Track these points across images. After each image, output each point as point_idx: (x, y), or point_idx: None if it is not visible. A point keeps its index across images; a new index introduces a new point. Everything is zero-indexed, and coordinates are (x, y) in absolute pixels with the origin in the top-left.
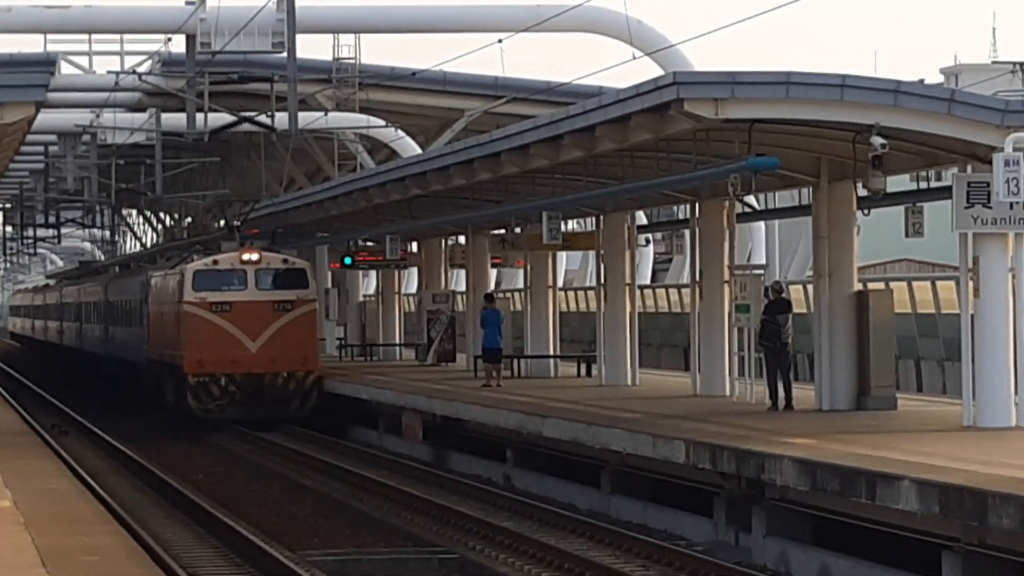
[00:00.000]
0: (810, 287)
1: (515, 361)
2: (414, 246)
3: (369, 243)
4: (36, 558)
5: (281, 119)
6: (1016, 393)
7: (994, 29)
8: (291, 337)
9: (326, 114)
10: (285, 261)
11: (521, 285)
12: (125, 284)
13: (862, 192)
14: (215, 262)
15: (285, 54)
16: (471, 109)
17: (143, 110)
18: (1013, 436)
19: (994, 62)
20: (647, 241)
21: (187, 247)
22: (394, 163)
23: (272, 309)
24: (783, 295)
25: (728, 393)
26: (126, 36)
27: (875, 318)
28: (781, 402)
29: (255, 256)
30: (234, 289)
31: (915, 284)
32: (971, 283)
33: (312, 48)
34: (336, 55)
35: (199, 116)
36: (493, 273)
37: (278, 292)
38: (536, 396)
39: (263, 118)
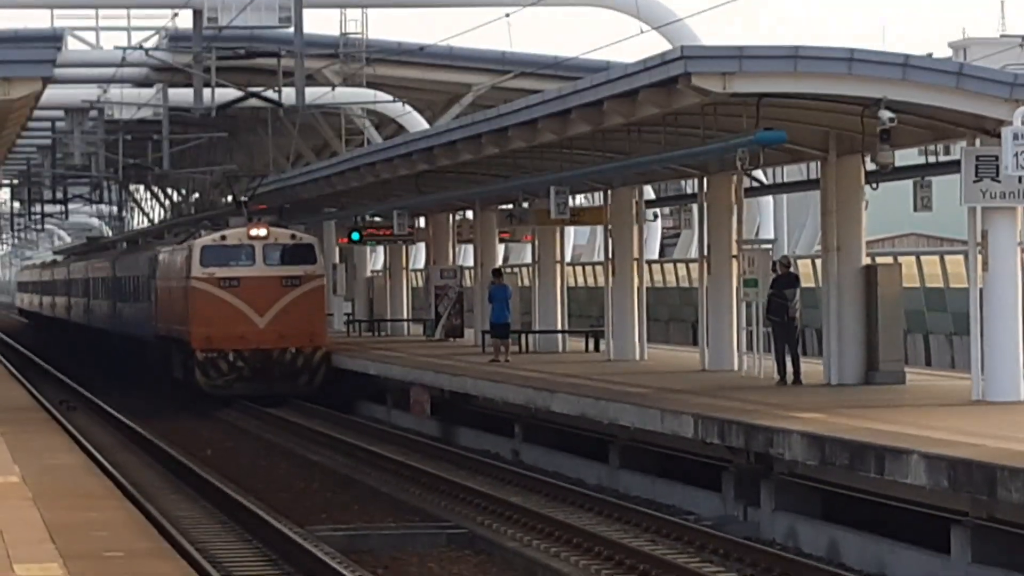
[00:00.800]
0: (818, 262)
1: (523, 336)
2: (422, 221)
3: (376, 218)
4: (45, 533)
5: (288, 94)
6: None
7: (1002, 3)
8: (299, 312)
9: (333, 89)
10: (293, 236)
11: (529, 260)
12: (133, 260)
13: (870, 166)
14: (223, 237)
15: (292, 29)
16: (478, 84)
17: (150, 85)
18: (1022, 410)
19: (1002, 36)
20: (655, 216)
21: (195, 223)
22: (401, 138)
23: (280, 284)
24: (790, 269)
25: (736, 368)
26: (133, 11)
27: (884, 292)
28: (789, 377)
29: (263, 231)
30: (242, 264)
31: (924, 258)
32: (980, 257)
33: (319, 23)
34: (343, 30)
35: (206, 91)
36: (501, 248)
37: (286, 267)
38: (544, 371)
39: (270, 93)
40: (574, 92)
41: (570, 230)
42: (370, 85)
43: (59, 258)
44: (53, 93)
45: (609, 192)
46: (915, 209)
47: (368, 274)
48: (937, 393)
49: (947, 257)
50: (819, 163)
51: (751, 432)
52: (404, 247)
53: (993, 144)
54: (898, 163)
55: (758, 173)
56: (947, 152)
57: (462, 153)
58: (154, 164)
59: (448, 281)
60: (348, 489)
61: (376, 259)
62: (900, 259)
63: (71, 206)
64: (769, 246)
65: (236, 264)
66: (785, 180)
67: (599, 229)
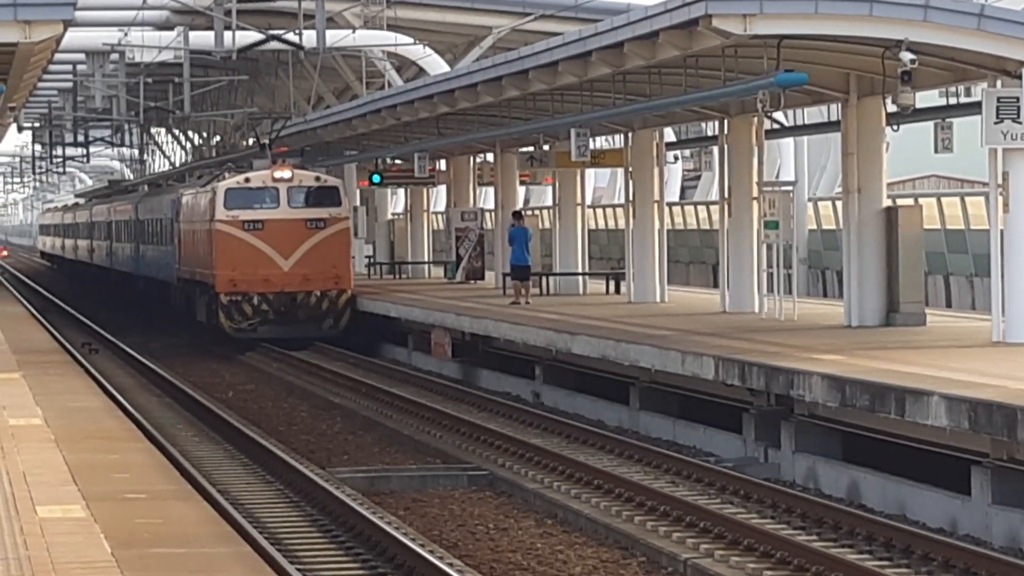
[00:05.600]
0: (839, 203)
1: (544, 278)
2: (442, 164)
3: (397, 161)
4: (67, 474)
5: (309, 37)
6: None
7: None
8: (324, 255)
9: (354, 32)
10: (317, 179)
11: (550, 202)
12: (156, 202)
13: (891, 108)
14: (247, 180)
15: None
16: (499, 26)
17: (171, 28)
18: None
19: None
20: (675, 158)
21: (218, 165)
22: (422, 81)
23: (305, 227)
24: None
25: (757, 310)
26: None
27: (904, 234)
28: None
29: (287, 174)
30: (266, 207)
31: (944, 200)
32: (1000, 198)
33: None
34: None
35: (227, 34)
36: (521, 190)
37: (311, 210)
38: (565, 313)
39: (291, 36)
40: (595, 34)
41: (591, 172)
42: (391, 28)
43: (81, 201)
44: (74, 36)
45: (630, 134)
46: (936, 150)
47: (389, 217)
48: (957, 334)
49: (968, 198)
50: (840, 105)
51: (772, 374)
52: (425, 190)
53: (1014, 85)
54: (919, 104)
55: (778, 115)
56: (968, 93)
57: (483, 95)
58: (175, 107)
59: (469, 223)
60: (369, 431)
61: (397, 202)
62: (921, 200)
63: (92, 149)
64: (789, 188)
65: (260, 207)
66: (806, 122)
67: (620, 171)
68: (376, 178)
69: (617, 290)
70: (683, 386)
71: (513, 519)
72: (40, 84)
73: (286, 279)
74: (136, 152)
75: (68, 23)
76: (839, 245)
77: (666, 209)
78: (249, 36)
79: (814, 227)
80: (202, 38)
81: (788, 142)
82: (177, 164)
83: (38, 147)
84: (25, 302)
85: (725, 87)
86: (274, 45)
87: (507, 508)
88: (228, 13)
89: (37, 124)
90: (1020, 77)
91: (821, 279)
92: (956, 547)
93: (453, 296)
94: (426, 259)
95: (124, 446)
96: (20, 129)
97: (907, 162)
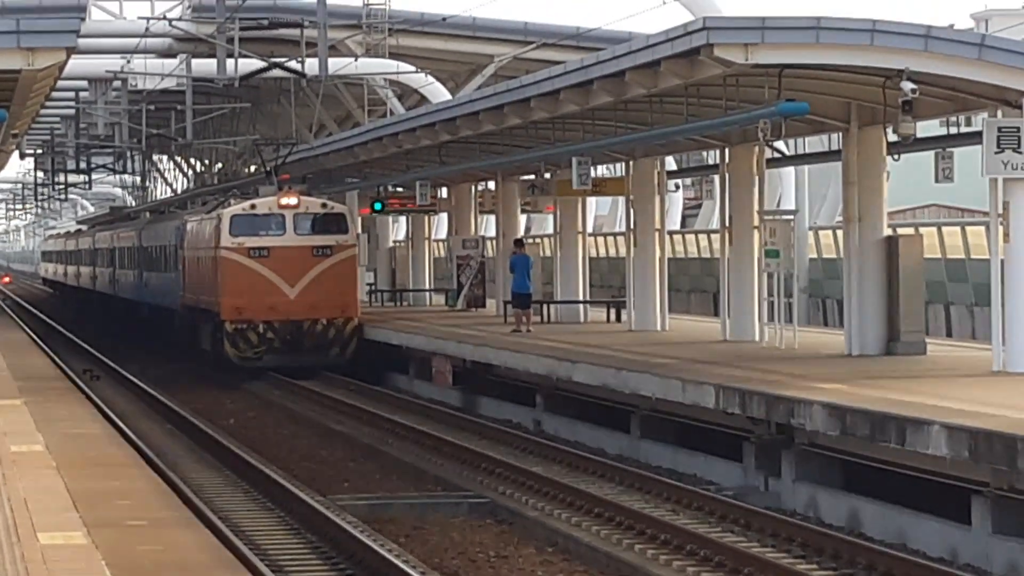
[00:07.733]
0: (839, 233)
1: (545, 306)
2: (444, 192)
3: (399, 189)
4: (68, 501)
5: (311, 65)
6: None
7: None
8: (330, 283)
9: (356, 60)
10: (324, 206)
11: (551, 231)
12: (160, 229)
13: (892, 137)
14: (253, 207)
15: None
16: (501, 55)
17: (174, 56)
18: None
19: None
20: (677, 186)
21: (223, 192)
22: (424, 109)
23: (311, 254)
24: None
25: (757, 338)
26: None
27: (905, 263)
28: None
29: (294, 200)
30: (272, 234)
31: (945, 229)
32: (1001, 228)
33: None
34: (366, 0)
35: (229, 62)
36: (523, 219)
37: (317, 237)
38: (566, 341)
39: (293, 64)
40: (596, 63)
41: (592, 201)
42: (393, 56)
43: (83, 228)
44: (77, 63)
45: (631, 163)
46: (936, 180)
47: (390, 244)
48: (958, 364)
49: (968, 228)
50: (841, 134)
51: (772, 402)
52: (426, 217)
53: (1015, 115)
54: (919, 134)
55: (779, 144)
56: (968, 123)
57: (484, 124)
58: (177, 134)
59: (470, 251)
60: (370, 458)
61: (398, 229)
62: (921, 230)
63: (94, 176)
64: (790, 217)
65: (266, 233)
66: (807, 151)
67: (621, 200)
68: (377, 205)
69: (618, 318)
70: (684, 414)
71: (514, 547)
72: (43, 111)
73: (292, 307)
74: (138, 179)
75: (71, 51)
76: (840, 274)
77: (667, 237)
78: (251, 64)
79: (815, 256)
80: (204, 66)
81: (789, 171)
82: (179, 191)
83: (40, 174)
84: (27, 328)
85: (726, 116)
86: (276, 73)
87: (508, 536)
88: (230, 41)
89: (39, 151)
90: (1020, 107)
91: (822, 308)
92: None
93: (454, 324)
94: (427, 287)
95: (125, 473)
96: (22, 156)
97: (908, 191)
